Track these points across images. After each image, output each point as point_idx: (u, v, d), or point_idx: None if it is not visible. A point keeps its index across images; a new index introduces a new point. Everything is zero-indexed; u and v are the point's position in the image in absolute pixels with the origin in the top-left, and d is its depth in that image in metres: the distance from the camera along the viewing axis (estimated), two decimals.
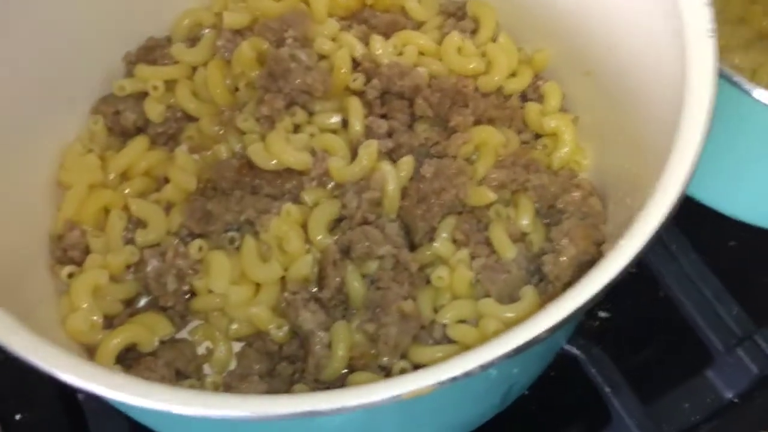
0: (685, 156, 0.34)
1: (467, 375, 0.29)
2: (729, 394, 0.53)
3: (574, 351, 0.51)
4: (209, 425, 0.37)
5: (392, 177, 0.49)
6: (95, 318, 0.46)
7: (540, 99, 0.54)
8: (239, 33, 0.55)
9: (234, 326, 0.48)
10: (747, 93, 0.44)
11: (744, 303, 0.54)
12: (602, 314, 0.55)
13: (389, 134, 0.51)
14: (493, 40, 0.56)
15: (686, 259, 0.55)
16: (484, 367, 0.29)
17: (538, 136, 0.54)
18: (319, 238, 0.48)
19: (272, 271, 0.47)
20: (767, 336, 0.53)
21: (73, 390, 0.52)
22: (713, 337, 0.53)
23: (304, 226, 0.49)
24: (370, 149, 0.49)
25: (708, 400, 0.53)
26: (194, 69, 0.55)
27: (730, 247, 0.57)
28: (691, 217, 0.54)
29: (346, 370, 0.46)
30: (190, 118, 0.54)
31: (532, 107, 0.53)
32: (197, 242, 0.48)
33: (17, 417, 0.53)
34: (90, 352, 0.45)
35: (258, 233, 0.49)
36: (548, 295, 0.45)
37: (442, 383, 0.28)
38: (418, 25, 0.57)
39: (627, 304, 0.54)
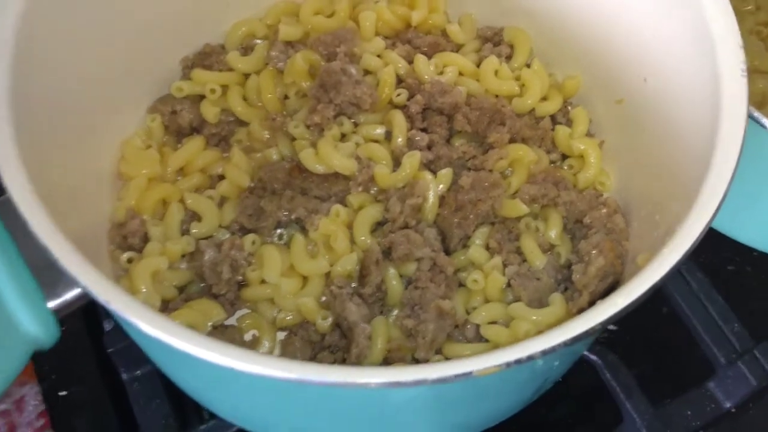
0: (717, 190, 0.38)
1: (531, 358, 0.32)
2: (728, 404, 0.57)
3: (592, 357, 0.55)
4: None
5: (433, 186, 0.53)
6: (154, 302, 0.49)
7: (568, 122, 0.58)
8: (291, 45, 0.59)
9: (281, 315, 0.51)
10: (761, 124, 0.49)
11: (744, 320, 0.59)
12: (611, 326, 0.60)
13: (429, 147, 0.55)
14: (527, 65, 0.60)
15: (693, 278, 0.60)
16: (546, 353, 0.33)
17: (565, 157, 0.58)
18: (362, 238, 0.52)
19: (320, 265, 0.51)
20: (766, 351, 0.57)
21: (116, 370, 0.56)
22: (716, 351, 0.58)
23: (350, 227, 0.52)
24: (413, 159, 0.53)
25: (708, 409, 0.57)
26: (246, 76, 0.59)
27: (733, 268, 0.62)
28: None
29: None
30: (241, 122, 0.58)
31: (561, 130, 0.57)
32: (251, 236, 0.52)
33: (62, 394, 0.56)
34: None
35: (305, 231, 0.53)
36: (575, 302, 0.49)
37: (509, 364, 0.32)
38: (458, 48, 0.62)
39: (636, 317, 0.59)
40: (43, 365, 0.57)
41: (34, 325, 0.36)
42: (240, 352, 0.33)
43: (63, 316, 0.38)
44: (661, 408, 0.55)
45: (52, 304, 0.37)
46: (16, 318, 0.35)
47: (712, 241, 0.60)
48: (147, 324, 0.33)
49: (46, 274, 0.37)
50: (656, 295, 0.59)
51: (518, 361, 0.32)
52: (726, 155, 0.41)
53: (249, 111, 0.58)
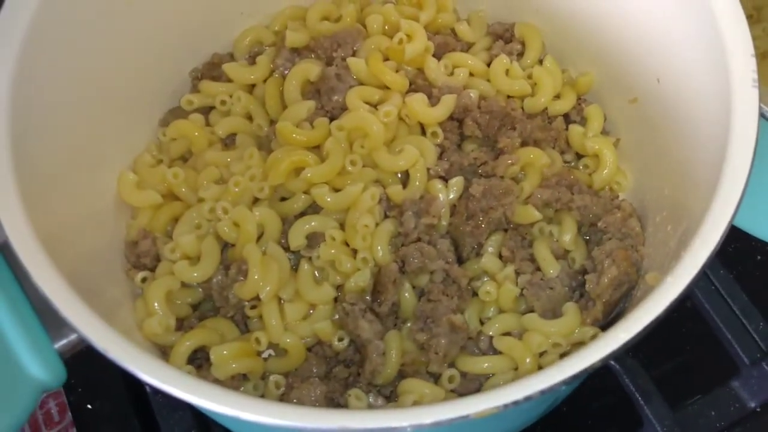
0: (731, 198, 0.37)
1: (528, 399, 0.32)
2: (752, 404, 0.56)
3: (609, 361, 0.54)
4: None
5: (444, 196, 0.53)
6: (169, 322, 0.49)
7: (583, 120, 0.57)
8: (297, 52, 0.58)
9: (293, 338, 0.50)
10: None
11: None
12: None
13: (441, 154, 0.55)
14: (539, 62, 0.59)
15: (716, 275, 0.59)
16: (545, 392, 0.32)
17: (580, 156, 0.57)
18: (380, 254, 0.51)
19: (326, 293, 0.50)
20: None
21: (141, 383, 0.57)
22: (739, 350, 0.57)
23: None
24: (420, 172, 0.53)
25: (732, 409, 0.56)
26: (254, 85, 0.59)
27: (757, 265, 0.60)
28: None
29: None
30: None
31: (575, 129, 0.56)
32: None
33: (89, 407, 0.58)
34: (164, 351, 0.49)
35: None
36: (589, 312, 0.49)
37: (506, 405, 0.32)
38: (468, 47, 0.60)
39: None
40: (70, 378, 0.58)
41: (41, 369, 0.36)
42: (237, 399, 0.33)
43: (70, 355, 0.38)
44: (683, 410, 0.55)
45: (58, 344, 0.38)
46: (22, 363, 0.36)
47: (734, 237, 0.59)
48: (145, 374, 0.34)
49: (53, 314, 0.38)
50: None
51: (515, 403, 0.32)
52: (736, 173, 0.39)
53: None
